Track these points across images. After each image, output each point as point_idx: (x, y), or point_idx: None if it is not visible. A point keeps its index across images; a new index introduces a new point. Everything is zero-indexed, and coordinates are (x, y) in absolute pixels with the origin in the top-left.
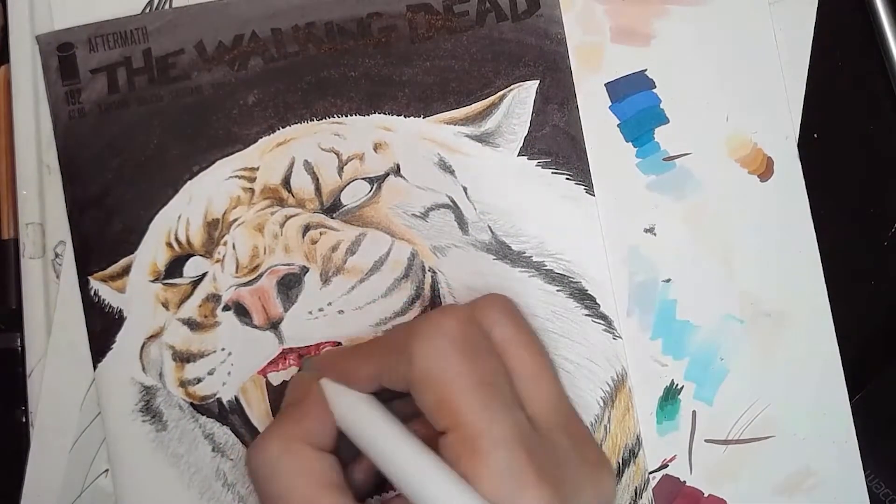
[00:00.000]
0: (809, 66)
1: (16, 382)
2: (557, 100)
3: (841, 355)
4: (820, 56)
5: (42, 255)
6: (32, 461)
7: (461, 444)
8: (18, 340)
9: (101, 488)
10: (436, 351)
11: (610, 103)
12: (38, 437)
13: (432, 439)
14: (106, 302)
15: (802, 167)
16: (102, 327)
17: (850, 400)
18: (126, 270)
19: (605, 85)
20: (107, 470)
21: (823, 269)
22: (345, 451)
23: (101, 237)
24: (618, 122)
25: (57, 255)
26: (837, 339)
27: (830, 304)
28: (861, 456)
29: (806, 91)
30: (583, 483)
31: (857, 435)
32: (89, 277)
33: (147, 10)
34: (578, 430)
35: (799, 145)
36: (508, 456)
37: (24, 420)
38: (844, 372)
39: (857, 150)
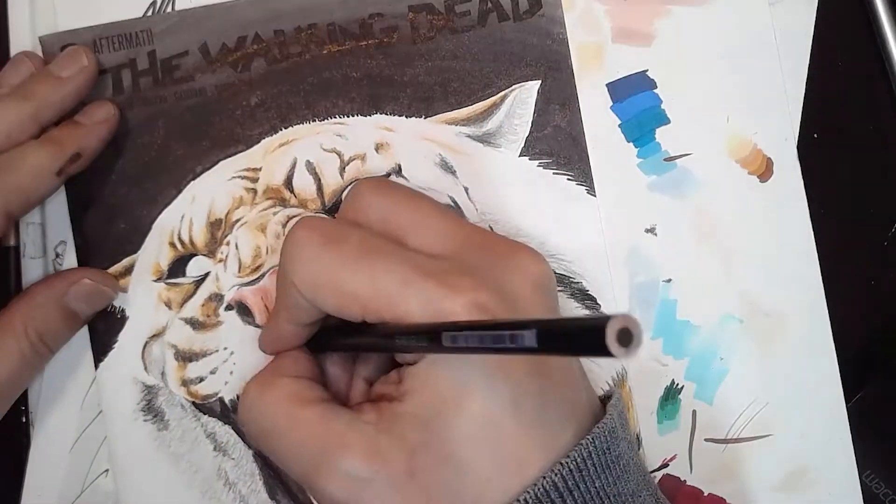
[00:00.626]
0: (809, 66)
1: None
2: (559, 100)
3: (840, 355)
4: (820, 56)
5: (42, 255)
6: (32, 461)
7: (378, 314)
8: None
9: (101, 488)
10: (302, 259)
11: (611, 103)
12: (38, 437)
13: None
14: None
15: (802, 167)
16: (104, 326)
17: (850, 400)
18: (129, 270)
19: (607, 85)
20: (107, 470)
21: (823, 269)
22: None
23: (104, 237)
24: (619, 122)
25: (57, 255)
26: (837, 338)
27: (830, 304)
28: (861, 456)
29: (806, 91)
30: (504, 274)
31: (856, 435)
32: None
33: (150, 13)
34: (484, 238)
35: (799, 145)
36: (417, 289)
37: (24, 420)
38: (844, 372)
39: (856, 150)
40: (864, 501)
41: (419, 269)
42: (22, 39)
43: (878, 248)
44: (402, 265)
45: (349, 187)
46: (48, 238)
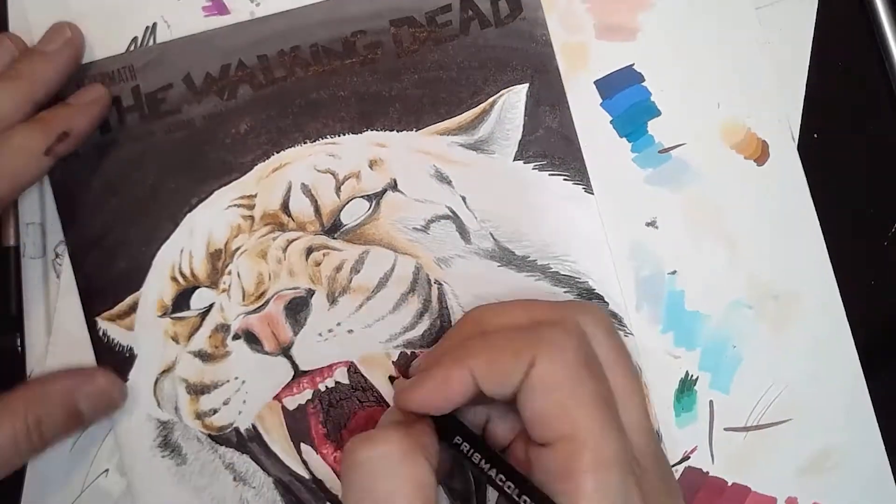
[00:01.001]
0: (809, 66)
1: (16, 382)
2: (548, 101)
3: None
4: (820, 56)
5: (42, 255)
6: (32, 461)
7: (571, 457)
8: (18, 341)
9: (101, 488)
10: (563, 357)
11: (601, 100)
12: None
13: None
14: (115, 341)
15: (802, 167)
16: (114, 366)
17: None
18: (133, 308)
19: (595, 83)
20: (107, 470)
21: None
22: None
23: (106, 277)
24: (610, 118)
25: (57, 255)
26: None
27: None
28: None
29: (806, 91)
30: None
31: None
32: (97, 318)
33: (132, 48)
34: (664, 459)
35: (799, 145)
36: (622, 479)
37: None
38: None
39: (856, 150)
40: None
41: (619, 456)
42: None
43: (879, 248)
44: (615, 440)
45: (587, 308)
46: (48, 238)
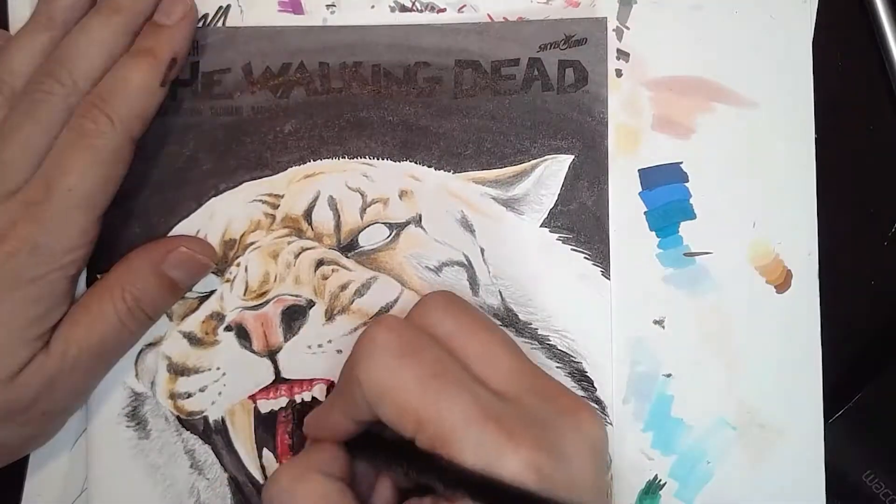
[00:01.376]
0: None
1: None
2: (589, 178)
3: (840, 355)
4: (820, 56)
5: None
6: (32, 461)
7: (431, 440)
8: None
9: None
10: (376, 363)
11: (640, 189)
12: None
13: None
14: None
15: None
16: None
17: (850, 400)
18: None
19: (639, 170)
20: None
21: (823, 269)
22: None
23: (118, 238)
24: (645, 209)
25: None
26: (838, 338)
27: (830, 303)
28: (861, 456)
29: None
30: (563, 432)
31: (856, 435)
32: (98, 275)
33: (201, 25)
34: (547, 386)
35: None
36: (478, 430)
37: None
38: (845, 372)
39: (856, 150)
40: (864, 502)
41: (483, 408)
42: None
43: (878, 248)
44: (468, 399)
45: (422, 299)
46: None
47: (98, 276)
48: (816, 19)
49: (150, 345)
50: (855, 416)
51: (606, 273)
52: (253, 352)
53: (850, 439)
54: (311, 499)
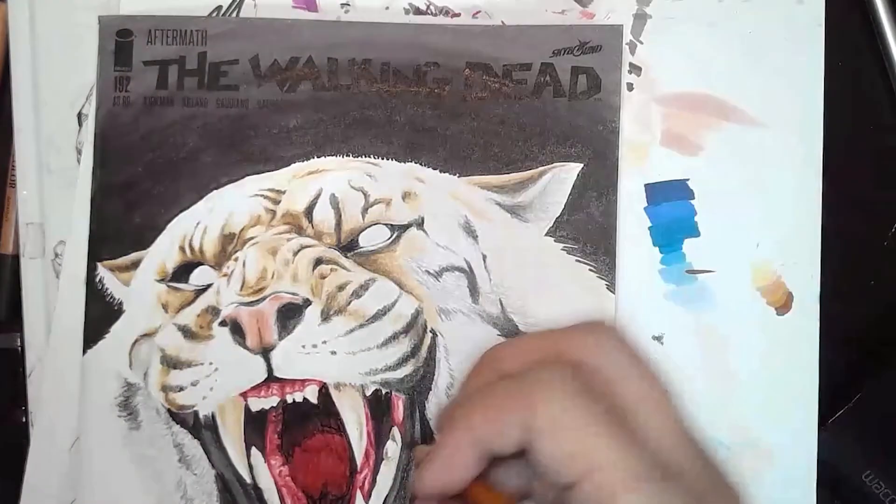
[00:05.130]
0: None
1: (16, 382)
2: (598, 188)
3: (840, 355)
4: None
5: (42, 255)
6: (32, 461)
7: (600, 489)
8: (18, 340)
9: None
10: (563, 396)
11: (646, 204)
12: (37, 437)
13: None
14: (108, 291)
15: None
16: (99, 315)
17: (850, 400)
18: (135, 265)
19: (645, 185)
20: None
21: (823, 269)
22: None
23: (118, 227)
24: (650, 224)
25: (57, 255)
26: (837, 339)
27: (830, 303)
28: (861, 456)
29: None
30: None
31: (856, 435)
32: (98, 263)
33: (214, 15)
34: (704, 455)
35: None
36: (656, 491)
37: (24, 420)
38: (844, 372)
39: (857, 151)
40: (863, 502)
41: (647, 469)
42: (20, 41)
43: (878, 248)
44: (637, 455)
45: (585, 331)
46: (47, 238)
47: (97, 263)
48: None
49: (146, 336)
50: (854, 416)
51: (611, 286)
52: (246, 348)
53: (849, 440)
54: None
